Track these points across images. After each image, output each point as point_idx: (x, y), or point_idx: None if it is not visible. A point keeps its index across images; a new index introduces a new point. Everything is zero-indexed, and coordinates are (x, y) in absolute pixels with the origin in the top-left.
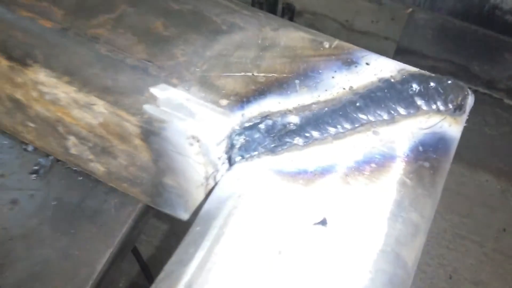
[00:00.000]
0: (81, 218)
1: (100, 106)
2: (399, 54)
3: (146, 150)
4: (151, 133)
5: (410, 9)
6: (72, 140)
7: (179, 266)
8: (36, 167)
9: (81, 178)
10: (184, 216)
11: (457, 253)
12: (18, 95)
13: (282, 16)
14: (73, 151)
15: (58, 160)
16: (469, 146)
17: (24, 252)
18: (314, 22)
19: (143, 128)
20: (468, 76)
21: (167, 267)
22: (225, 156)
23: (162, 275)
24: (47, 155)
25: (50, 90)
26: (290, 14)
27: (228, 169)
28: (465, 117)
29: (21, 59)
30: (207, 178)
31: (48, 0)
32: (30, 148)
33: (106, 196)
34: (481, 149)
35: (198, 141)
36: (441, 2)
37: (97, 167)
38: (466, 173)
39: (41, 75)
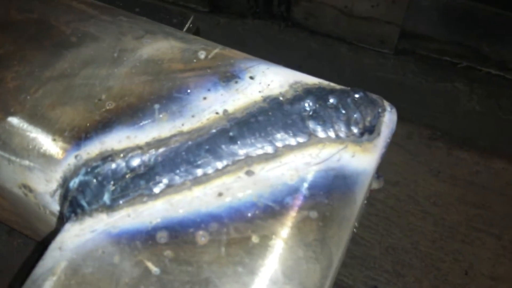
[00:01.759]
0: None
1: None
2: (403, 38)
3: (0, 196)
4: None
5: None
6: None
7: None
8: None
9: None
10: None
11: (473, 247)
12: None
13: (279, 6)
14: None
15: None
16: (482, 132)
17: None
18: (312, 10)
19: None
20: (478, 58)
21: None
22: (61, 208)
23: None
24: None
25: None
26: (287, 3)
27: (60, 231)
28: (381, 141)
29: None
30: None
31: None
32: None
33: (9, 237)
34: (495, 135)
35: (30, 191)
36: None
37: None
38: (480, 161)
39: None
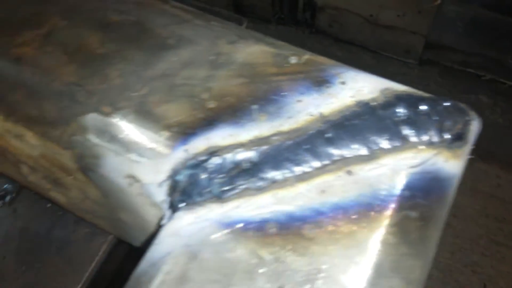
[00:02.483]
0: (48, 250)
1: (30, 137)
2: (428, 49)
3: (93, 186)
4: (87, 169)
5: (439, 1)
6: (24, 168)
7: None
8: (1, 193)
9: (50, 205)
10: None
11: (493, 260)
12: None
13: (304, 12)
14: (30, 178)
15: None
16: (505, 145)
17: None
18: (336, 17)
19: (79, 164)
20: (503, 71)
21: None
22: (168, 200)
23: None
24: (14, 180)
25: None
26: (312, 10)
27: (170, 218)
28: (467, 149)
29: None
30: (161, 219)
31: None
32: None
33: (75, 226)
34: None
35: (137, 181)
36: None
37: (58, 197)
38: (502, 175)
39: None
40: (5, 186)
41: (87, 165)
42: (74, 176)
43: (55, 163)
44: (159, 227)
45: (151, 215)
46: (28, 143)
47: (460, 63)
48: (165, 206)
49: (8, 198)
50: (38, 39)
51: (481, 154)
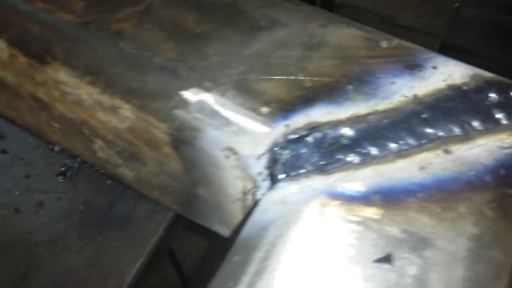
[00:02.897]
0: (109, 225)
1: (126, 110)
2: (443, 50)
3: (177, 160)
4: (182, 142)
5: (457, 4)
6: (98, 143)
7: None
8: (63, 169)
9: (110, 181)
10: (219, 228)
11: None
12: (41, 94)
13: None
14: (100, 154)
15: (86, 162)
16: None
17: (49, 258)
18: (354, 16)
19: (173, 136)
20: None
21: None
22: (266, 172)
23: None
24: (75, 157)
25: (72, 90)
26: (329, 8)
27: (271, 188)
28: None
29: (40, 56)
30: (245, 194)
31: None
32: (56, 148)
33: (136, 203)
34: None
35: (235, 153)
36: None
37: (126, 173)
38: None
39: (61, 74)
40: (67, 161)
41: (185, 138)
42: (159, 149)
43: (142, 137)
44: (251, 196)
45: (234, 189)
46: (120, 116)
47: (476, 66)
48: (260, 178)
49: (69, 173)
50: (137, 15)
51: None
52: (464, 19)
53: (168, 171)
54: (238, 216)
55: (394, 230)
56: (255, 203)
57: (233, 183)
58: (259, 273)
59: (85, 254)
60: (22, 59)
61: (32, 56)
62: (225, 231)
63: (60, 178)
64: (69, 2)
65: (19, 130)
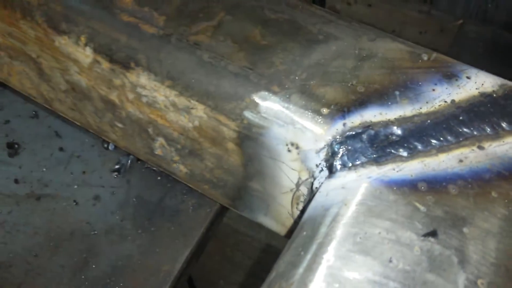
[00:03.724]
0: (160, 216)
1: (200, 110)
2: None
3: (238, 154)
4: (247, 138)
5: (461, 21)
6: (160, 141)
7: (290, 267)
8: (117, 166)
9: (160, 178)
10: (263, 220)
11: None
12: (113, 96)
13: None
14: (158, 152)
15: (138, 160)
16: None
17: (107, 246)
18: None
19: (240, 133)
20: None
21: (278, 267)
22: (325, 164)
23: (273, 274)
24: (128, 154)
25: (149, 93)
26: None
27: (330, 177)
28: None
29: (124, 62)
30: (298, 185)
31: (149, 6)
32: (111, 147)
33: (184, 197)
34: None
35: (297, 147)
36: (494, 14)
37: (180, 168)
38: None
39: (143, 78)
40: (120, 159)
41: (251, 134)
42: (222, 145)
43: (208, 134)
44: (305, 187)
45: (289, 180)
46: (192, 116)
47: None
48: (317, 169)
49: (122, 170)
50: (211, 29)
51: None
52: (467, 36)
53: (225, 166)
54: (286, 207)
55: (437, 211)
56: (314, 190)
57: (289, 174)
58: (324, 244)
59: (139, 242)
60: (105, 65)
61: (116, 63)
62: (268, 222)
63: (115, 174)
64: (152, 17)
65: (75, 130)
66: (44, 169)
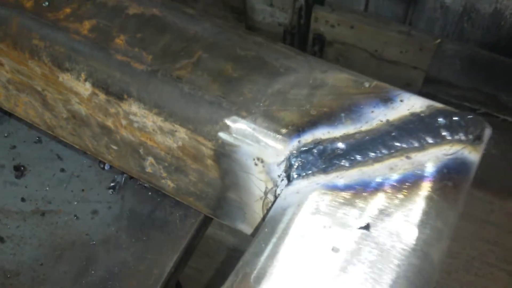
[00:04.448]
0: (151, 227)
1: (182, 132)
2: (428, 83)
3: (216, 169)
4: (222, 155)
5: (439, 40)
6: (150, 160)
7: (254, 256)
8: (112, 184)
9: (151, 193)
10: (241, 226)
11: (486, 280)
12: (109, 122)
13: (313, 46)
14: (148, 170)
15: (131, 178)
16: (498, 174)
17: (104, 254)
18: (344, 52)
19: (216, 151)
20: (496, 106)
21: (244, 257)
22: (284, 174)
23: (240, 263)
24: (122, 173)
25: (139, 119)
26: (320, 44)
27: (288, 185)
28: (483, 146)
29: (118, 94)
30: (266, 193)
31: (138, 46)
32: (106, 167)
33: (172, 209)
34: (510, 178)
35: (262, 161)
36: (469, 33)
37: (168, 184)
38: (495, 201)
39: (134, 107)
40: (115, 177)
41: (225, 152)
42: (202, 162)
43: (190, 153)
44: (271, 195)
45: (259, 189)
46: (176, 138)
47: (457, 97)
48: (279, 179)
49: (117, 187)
50: (190, 65)
51: (476, 182)
52: (446, 53)
53: (205, 179)
54: (259, 213)
55: (371, 208)
56: (277, 196)
57: (258, 185)
58: (282, 237)
59: (133, 250)
60: (102, 96)
61: (111, 94)
62: (246, 228)
63: (110, 191)
64: (141, 56)
65: (75, 153)
66: (48, 188)
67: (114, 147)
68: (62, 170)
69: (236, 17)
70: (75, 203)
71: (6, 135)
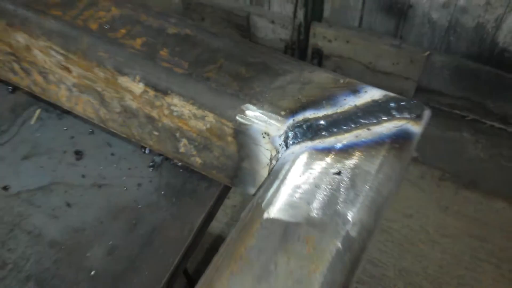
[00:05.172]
0: (183, 195)
1: (210, 117)
2: (419, 92)
3: (234, 144)
4: (239, 132)
5: (428, 52)
6: (183, 141)
7: (264, 192)
8: (152, 163)
9: (182, 170)
10: (252, 190)
11: (475, 274)
12: (153, 113)
13: (312, 60)
14: (181, 150)
15: (166, 158)
16: (486, 176)
17: (149, 215)
18: (340, 64)
19: (235, 130)
20: (483, 112)
21: (257, 194)
22: (283, 143)
23: (254, 198)
24: (159, 155)
25: (178, 109)
26: (319, 58)
27: (286, 150)
28: (423, 122)
29: (163, 90)
30: (271, 160)
31: (178, 56)
32: (147, 151)
33: (199, 181)
34: (497, 179)
35: (268, 135)
36: (456, 46)
37: (196, 160)
38: (483, 201)
39: (175, 100)
40: (154, 158)
41: (241, 130)
42: (224, 139)
43: (215, 133)
44: (275, 153)
45: (266, 157)
46: (205, 121)
47: (447, 105)
48: (280, 147)
49: (156, 165)
50: (216, 69)
51: (465, 183)
52: (434, 65)
53: (226, 154)
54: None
55: (342, 162)
56: (278, 160)
57: (265, 154)
58: (283, 179)
59: (170, 212)
60: (151, 93)
61: (158, 91)
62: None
63: (150, 169)
64: (180, 63)
65: (121, 141)
66: (101, 167)
67: (156, 133)
68: (112, 154)
69: (240, 33)
70: (124, 178)
71: (65, 128)
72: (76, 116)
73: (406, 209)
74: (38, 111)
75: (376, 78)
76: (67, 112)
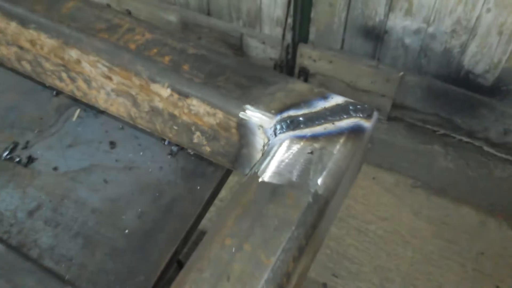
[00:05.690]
0: (195, 176)
1: (220, 114)
2: (395, 109)
3: (236, 135)
4: (241, 125)
5: (402, 73)
6: (197, 134)
7: (258, 165)
8: (170, 152)
9: (194, 157)
10: (248, 171)
11: (443, 271)
12: (175, 112)
13: (299, 77)
14: (195, 140)
15: (182, 148)
16: (454, 184)
17: (169, 190)
18: (325, 82)
19: (238, 123)
20: (452, 127)
21: (254, 167)
22: (273, 133)
23: (252, 170)
24: (176, 145)
25: (196, 108)
26: (305, 76)
27: (275, 137)
28: (372, 120)
29: (185, 95)
30: (264, 146)
31: (196, 70)
32: (166, 142)
33: (207, 166)
34: (464, 187)
35: (262, 127)
36: (427, 67)
37: (206, 149)
38: (451, 206)
39: (194, 101)
40: (172, 147)
41: (243, 123)
42: (229, 131)
43: (223, 126)
44: (267, 141)
45: (260, 144)
46: (215, 117)
47: (419, 120)
48: (271, 136)
49: (173, 154)
50: (224, 80)
51: (435, 191)
52: (408, 84)
53: (230, 142)
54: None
55: (314, 145)
56: (269, 144)
57: (260, 142)
58: (272, 156)
59: (185, 188)
60: (175, 96)
61: (181, 95)
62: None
63: (169, 156)
64: (198, 74)
65: (146, 135)
66: (131, 155)
67: (175, 128)
68: (139, 144)
69: (234, 52)
70: (148, 163)
71: (101, 124)
72: (109, 115)
73: (381, 213)
74: (78, 111)
75: (356, 95)
76: (102, 112)
